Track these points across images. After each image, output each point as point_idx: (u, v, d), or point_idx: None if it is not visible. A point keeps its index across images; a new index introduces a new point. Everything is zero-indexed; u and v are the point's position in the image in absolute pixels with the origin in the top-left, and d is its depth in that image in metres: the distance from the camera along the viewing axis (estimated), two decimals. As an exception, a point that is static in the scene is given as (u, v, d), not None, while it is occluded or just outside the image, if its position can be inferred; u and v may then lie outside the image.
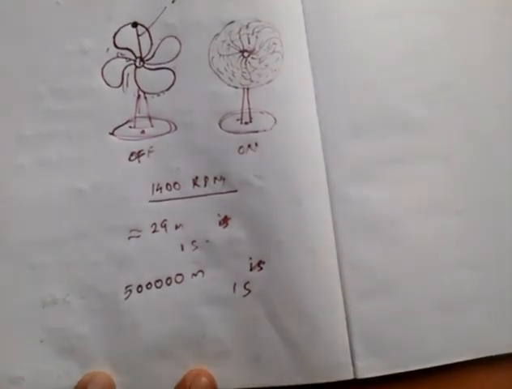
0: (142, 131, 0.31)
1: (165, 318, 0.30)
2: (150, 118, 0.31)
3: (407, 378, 0.31)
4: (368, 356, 0.31)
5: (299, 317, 0.30)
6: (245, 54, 0.31)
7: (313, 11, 0.33)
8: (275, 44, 0.32)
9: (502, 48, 0.34)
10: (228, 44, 0.31)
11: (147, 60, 0.31)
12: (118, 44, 0.31)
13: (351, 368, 0.31)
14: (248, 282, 0.31)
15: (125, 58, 0.31)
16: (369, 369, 0.31)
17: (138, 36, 0.31)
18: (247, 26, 0.31)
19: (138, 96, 0.31)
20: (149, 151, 0.31)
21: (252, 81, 0.31)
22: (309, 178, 0.32)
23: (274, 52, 0.32)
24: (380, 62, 0.33)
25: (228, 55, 0.31)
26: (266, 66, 0.31)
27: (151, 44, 0.31)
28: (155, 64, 0.31)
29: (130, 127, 0.31)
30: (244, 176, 0.31)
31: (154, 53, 0.31)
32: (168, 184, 0.31)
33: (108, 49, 0.31)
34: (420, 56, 0.34)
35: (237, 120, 0.31)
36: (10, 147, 0.30)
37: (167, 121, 0.31)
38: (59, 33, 0.31)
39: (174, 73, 0.31)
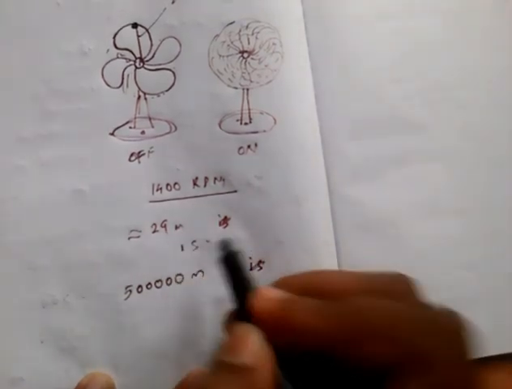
0: (143, 132, 0.31)
1: (165, 319, 0.30)
2: (150, 119, 0.31)
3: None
4: (368, 356, 0.31)
5: (299, 317, 0.30)
6: (245, 55, 0.32)
7: (313, 11, 0.33)
8: (274, 44, 0.32)
9: (502, 48, 0.34)
10: (228, 45, 0.31)
11: (147, 61, 0.31)
12: (118, 45, 0.31)
13: (351, 368, 0.31)
14: (248, 282, 0.31)
15: (125, 59, 0.31)
16: (369, 370, 0.31)
17: (138, 36, 0.31)
18: (247, 26, 0.31)
19: (138, 97, 0.31)
20: (149, 152, 0.31)
21: (252, 81, 0.31)
22: (308, 178, 0.32)
23: (274, 52, 0.32)
24: (380, 62, 0.33)
25: (227, 56, 0.31)
26: (265, 66, 0.31)
27: (151, 44, 0.31)
28: (155, 65, 0.31)
29: (130, 128, 0.31)
30: (244, 176, 0.31)
31: (154, 53, 0.31)
32: (168, 184, 0.31)
33: (108, 50, 0.31)
34: (420, 56, 0.34)
35: (237, 120, 0.31)
36: (9, 147, 0.30)
37: (167, 121, 0.31)
38: (59, 34, 0.31)
39: (174, 74, 0.31)
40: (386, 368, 0.20)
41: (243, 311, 0.23)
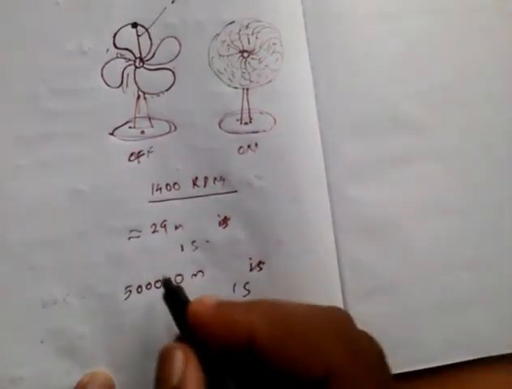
0: (142, 132, 0.31)
1: (165, 319, 0.30)
2: (150, 119, 0.31)
3: (407, 378, 0.31)
4: (367, 356, 0.31)
5: (299, 317, 0.30)
6: (245, 55, 0.31)
7: (313, 11, 0.32)
8: (274, 44, 0.32)
9: (502, 48, 0.34)
10: (228, 45, 0.31)
11: (147, 60, 0.31)
12: (118, 45, 0.31)
13: (350, 368, 0.31)
14: (248, 282, 0.31)
15: (125, 59, 0.31)
16: (369, 370, 0.31)
17: (138, 36, 0.31)
18: (247, 26, 0.31)
19: (138, 97, 0.31)
20: (149, 152, 0.31)
21: (252, 81, 0.31)
22: (308, 178, 0.32)
23: (274, 52, 0.32)
24: (380, 62, 0.33)
25: (227, 55, 0.31)
26: (265, 66, 0.31)
27: (151, 44, 0.31)
28: (155, 64, 0.31)
29: (130, 128, 0.31)
30: (244, 176, 0.31)
31: (154, 53, 0.31)
32: (167, 184, 0.31)
33: (107, 50, 0.31)
34: (420, 56, 0.34)
35: (237, 120, 0.31)
36: (9, 147, 0.30)
37: (167, 121, 0.31)
38: (59, 33, 0.31)
39: (174, 73, 0.31)
40: (316, 378, 0.22)
41: (185, 332, 0.25)
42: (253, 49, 0.32)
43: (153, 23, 0.31)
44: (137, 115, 0.31)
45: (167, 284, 0.26)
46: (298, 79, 0.32)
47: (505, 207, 0.34)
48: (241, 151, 0.31)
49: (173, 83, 0.31)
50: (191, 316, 0.24)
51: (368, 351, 0.23)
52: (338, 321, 0.24)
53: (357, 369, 0.22)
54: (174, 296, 0.26)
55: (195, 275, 0.31)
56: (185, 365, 0.23)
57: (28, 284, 0.29)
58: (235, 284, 0.31)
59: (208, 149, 0.31)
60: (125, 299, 0.30)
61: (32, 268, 0.30)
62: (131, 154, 0.31)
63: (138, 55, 0.31)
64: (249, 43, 0.31)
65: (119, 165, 0.31)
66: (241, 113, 0.31)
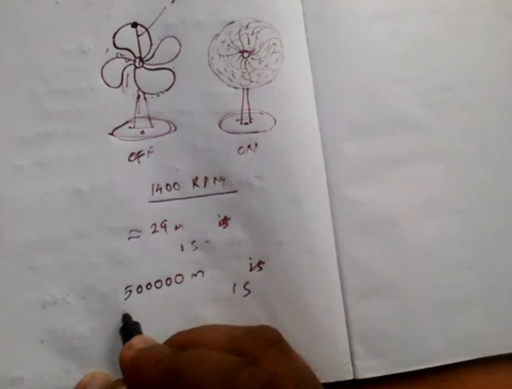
0: (142, 132, 0.31)
1: (165, 319, 0.30)
2: (149, 119, 0.31)
3: (407, 378, 0.31)
4: (367, 356, 0.31)
5: (298, 317, 0.30)
6: (245, 55, 0.31)
7: (313, 11, 0.33)
8: (274, 44, 0.32)
9: (502, 48, 0.34)
10: (228, 45, 0.31)
11: (147, 60, 0.31)
12: (118, 45, 0.31)
13: (350, 368, 0.31)
14: (248, 282, 0.31)
15: (125, 58, 0.31)
16: (369, 370, 0.31)
17: (138, 36, 0.31)
18: (247, 26, 0.31)
19: (138, 97, 0.31)
20: (149, 152, 0.31)
21: (252, 81, 0.31)
22: (308, 178, 0.32)
23: (274, 52, 0.32)
24: (380, 63, 0.33)
25: (227, 55, 0.31)
26: (265, 66, 0.31)
27: (151, 44, 0.31)
28: (155, 64, 0.31)
29: (130, 127, 0.31)
30: (244, 176, 0.31)
31: (153, 53, 0.31)
32: (167, 184, 0.31)
33: (107, 50, 0.31)
34: (419, 56, 0.34)
35: (237, 120, 0.31)
36: (9, 147, 0.30)
37: (166, 121, 0.31)
38: (58, 33, 0.31)
39: (174, 73, 0.31)
40: None
41: None
42: (253, 49, 0.32)
43: (153, 22, 0.31)
44: (137, 115, 0.31)
45: (126, 318, 0.29)
46: (298, 79, 0.32)
47: (505, 207, 0.34)
48: (241, 151, 0.31)
49: (173, 83, 0.31)
50: (119, 360, 0.26)
51: None
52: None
53: None
54: (130, 330, 0.28)
55: (195, 275, 0.31)
56: None
57: (28, 285, 0.29)
58: (235, 284, 0.31)
59: (208, 149, 0.31)
60: (126, 299, 0.30)
61: (32, 268, 0.30)
62: (131, 154, 0.31)
63: (138, 55, 0.31)
64: (249, 43, 0.31)
65: (119, 165, 0.31)
66: (241, 113, 0.31)
